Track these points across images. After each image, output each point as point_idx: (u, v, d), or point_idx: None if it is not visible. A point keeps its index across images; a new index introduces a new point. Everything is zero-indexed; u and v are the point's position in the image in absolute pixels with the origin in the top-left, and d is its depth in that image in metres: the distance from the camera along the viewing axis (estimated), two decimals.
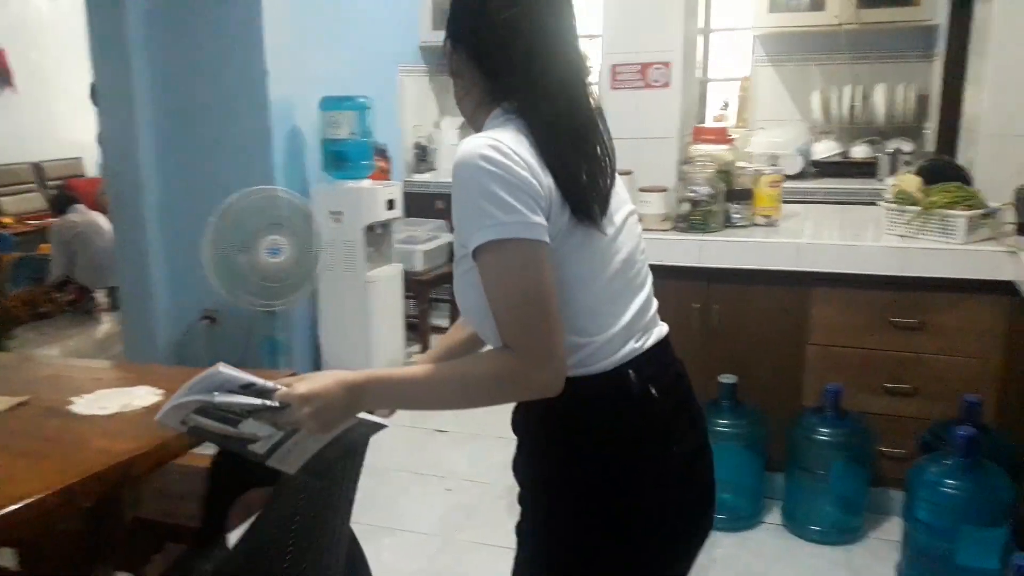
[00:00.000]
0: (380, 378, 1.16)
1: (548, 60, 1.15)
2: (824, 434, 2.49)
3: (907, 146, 4.17)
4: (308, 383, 1.12)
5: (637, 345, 1.18)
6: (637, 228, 1.28)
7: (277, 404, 1.12)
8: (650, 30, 2.90)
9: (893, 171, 4.15)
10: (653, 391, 1.17)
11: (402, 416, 3.59)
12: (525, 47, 1.15)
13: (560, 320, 1.07)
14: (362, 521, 2.80)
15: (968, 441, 2.14)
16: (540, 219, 1.06)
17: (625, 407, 1.16)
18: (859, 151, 4.36)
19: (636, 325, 1.19)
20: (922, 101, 4.24)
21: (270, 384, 1.13)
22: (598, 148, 1.19)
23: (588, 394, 1.14)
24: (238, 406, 1.12)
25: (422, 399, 1.21)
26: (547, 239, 1.07)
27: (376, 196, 3.93)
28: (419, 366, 1.17)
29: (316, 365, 4.17)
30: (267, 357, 3.69)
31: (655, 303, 1.29)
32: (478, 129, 1.20)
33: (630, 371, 1.16)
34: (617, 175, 1.24)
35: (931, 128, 4.09)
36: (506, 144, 1.07)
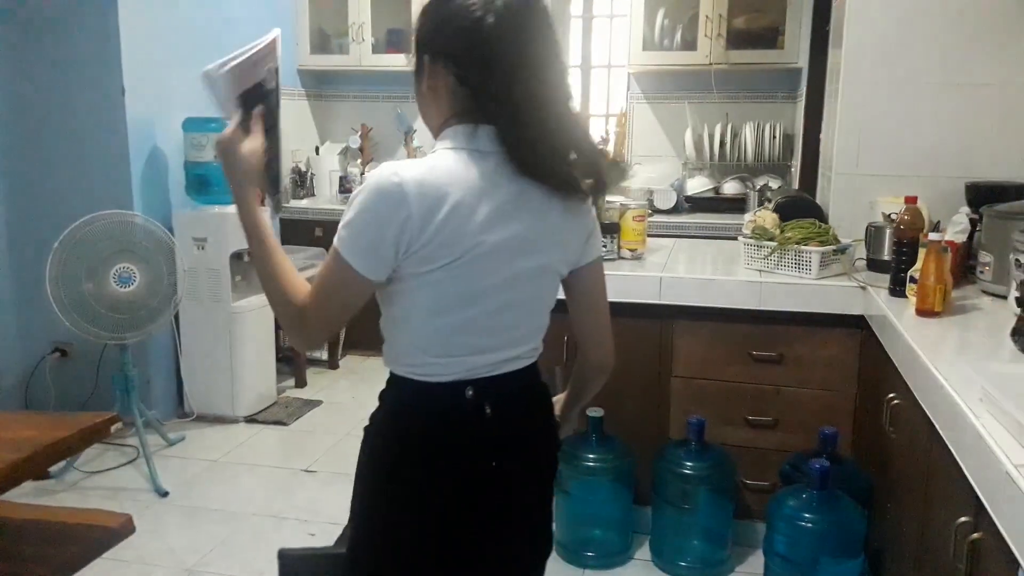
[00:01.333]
0: (259, 230, 1.29)
1: (531, 81, 1.20)
2: (688, 467, 2.49)
3: (775, 183, 4.33)
4: (230, 139, 1.31)
5: (486, 368, 1.28)
6: (543, 280, 1.34)
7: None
8: None
9: (762, 206, 4.30)
10: (488, 409, 1.28)
11: (267, 455, 3.40)
12: (510, 67, 1.19)
13: (336, 320, 1.27)
14: (210, 571, 2.62)
15: (822, 473, 2.17)
16: (382, 255, 1.19)
17: (455, 417, 1.28)
18: (730, 187, 4.50)
19: (491, 353, 1.28)
20: (788, 140, 4.42)
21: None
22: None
23: (425, 398, 1.28)
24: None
25: (258, 263, 1.30)
26: (370, 274, 1.20)
27: None
28: (279, 253, 1.29)
29: (179, 402, 3.93)
30: (120, 395, 3.43)
31: (532, 338, 1.38)
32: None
33: (469, 388, 1.27)
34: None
35: (796, 166, 4.26)
36: (410, 179, 1.17)
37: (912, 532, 1.96)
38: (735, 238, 3.91)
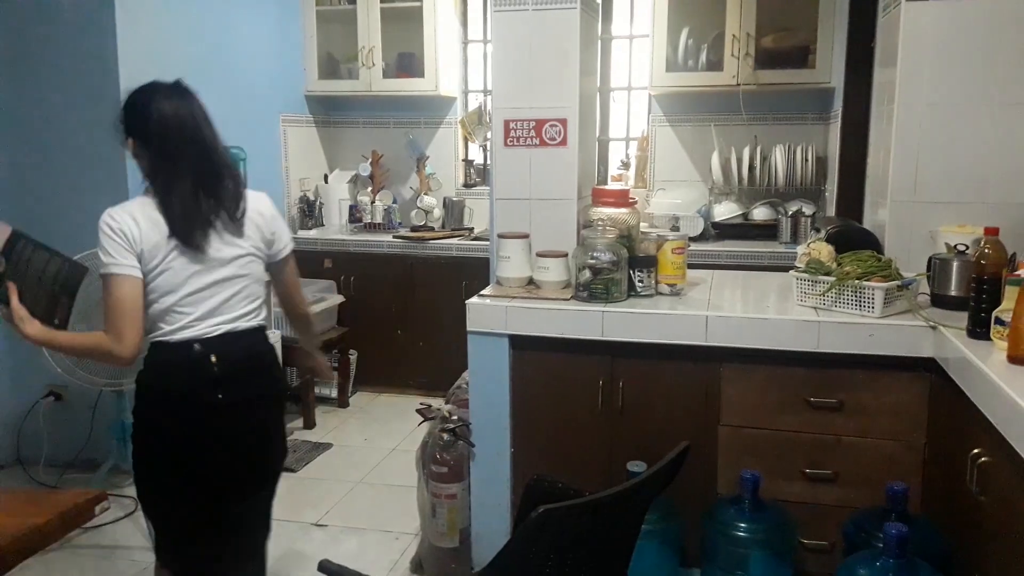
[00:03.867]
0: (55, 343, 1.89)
1: (177, 150, 1.88)
2: (742, 528, 2.25)
3: (808, 208, 4.11)
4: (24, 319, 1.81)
5: (210, 331, 1.86)
6: (251, 266, 1.95)
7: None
8: (544, 86, 2.68)
9: (794, 233, 4.08)
10: (213, 358, 1.85)
11: (275, 509, 3.14)
12: (159, 142, 1.87)
13: (136, 319, 1.78)
14: None
15: (900, 539, 1.92)
16: (126, 260, 1.77)
17: (187, 364, 1.84)
18: (760, 213, 4.28)
19: (213, 319, 1.87)
20: (820, 163, 4.20)
21: None
22: (213, 205, 1.88)
23: (167, 354, 1.85)
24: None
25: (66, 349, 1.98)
26: (130, 272, 1.78)
27: None
28: (67, 339, 1.89)
29: None
30: (117, 443, 3.20)
31: (248, 306, 1.95)
32: None
33: (196, 344, 1.84)
34: (252, 222, 1.96)
35: (831, 191, 4.04)
36: (117, 213, 1.83)
37: None
38: (767, 267, 3.75)
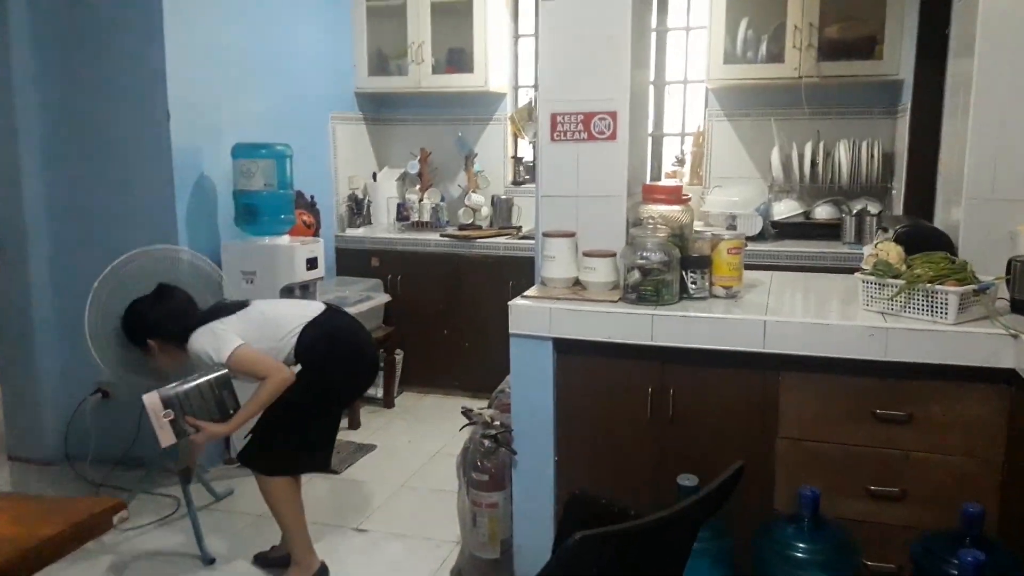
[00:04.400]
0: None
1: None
2: (801, 549, 2.10)
3: (874, 207, 3.91)
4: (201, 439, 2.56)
5: (307, 322, 2.68)
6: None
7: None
8: (593, 77, 2.57)
9: (859, 233, 3.88)
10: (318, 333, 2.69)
11: (316, 510, 3.09)
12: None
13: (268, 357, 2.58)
14: None
15: (976, 568, 1.76)
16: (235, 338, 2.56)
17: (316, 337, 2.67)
18: (822, 212, 4.08)
19: (304, 319, 2.69)
20: (887, 159, 3.98)
21: None
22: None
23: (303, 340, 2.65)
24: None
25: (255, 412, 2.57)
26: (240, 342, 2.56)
27: (294, 254, 3.51)
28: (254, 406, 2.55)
29: (225, 446, 3.68)
30: None
31: (314, 303, 2.89)
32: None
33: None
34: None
35: (898, 188, 3.83)
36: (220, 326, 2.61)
37: None
38: (830, 269, 3.56)
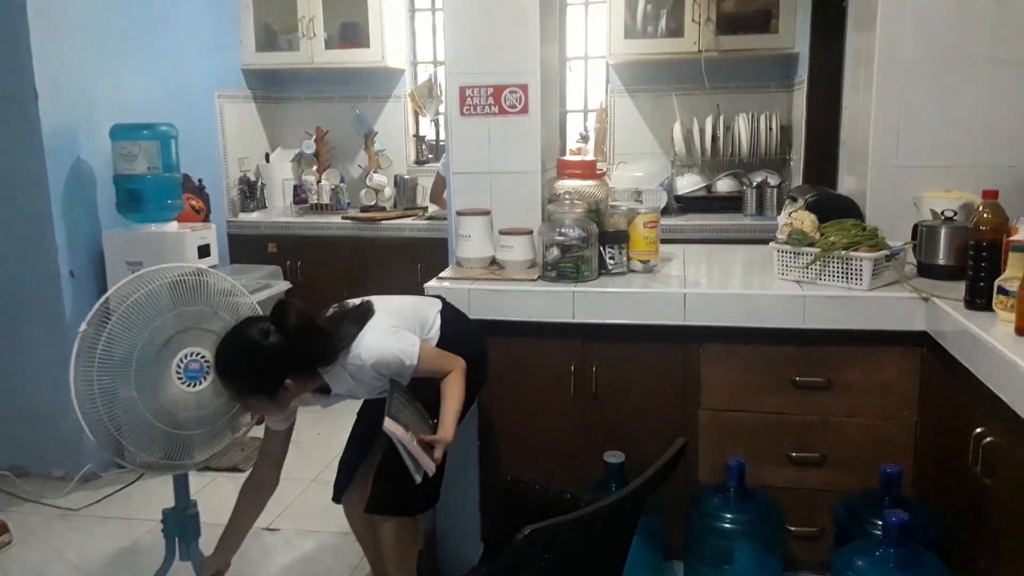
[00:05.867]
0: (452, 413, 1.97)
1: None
2: (728, 519, 2.10)
3: (773, 179, 3.99)
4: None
5: (438, 310, 2.16)
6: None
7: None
8: (502, 50, 2.48)
9: (760, 206, 3.96)
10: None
11: (222, 511, 2.85)
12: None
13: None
14: None
15: (901, 528, 1.80)
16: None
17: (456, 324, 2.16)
18: (723, 185, 4.14)
19: (433, 306, 2.17)
20: (784, 132, 4.07)
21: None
22: None
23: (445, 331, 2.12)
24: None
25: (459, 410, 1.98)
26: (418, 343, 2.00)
27: (184, 242, 3.27)
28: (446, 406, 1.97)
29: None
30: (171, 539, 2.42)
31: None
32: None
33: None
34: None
35: (796, 160, 3.92)
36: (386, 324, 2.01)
37: None
38: (733, 241, 3.61)
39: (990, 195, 1.90)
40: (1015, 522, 1.62)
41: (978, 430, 1.74)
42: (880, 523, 1.88)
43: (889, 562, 1.82)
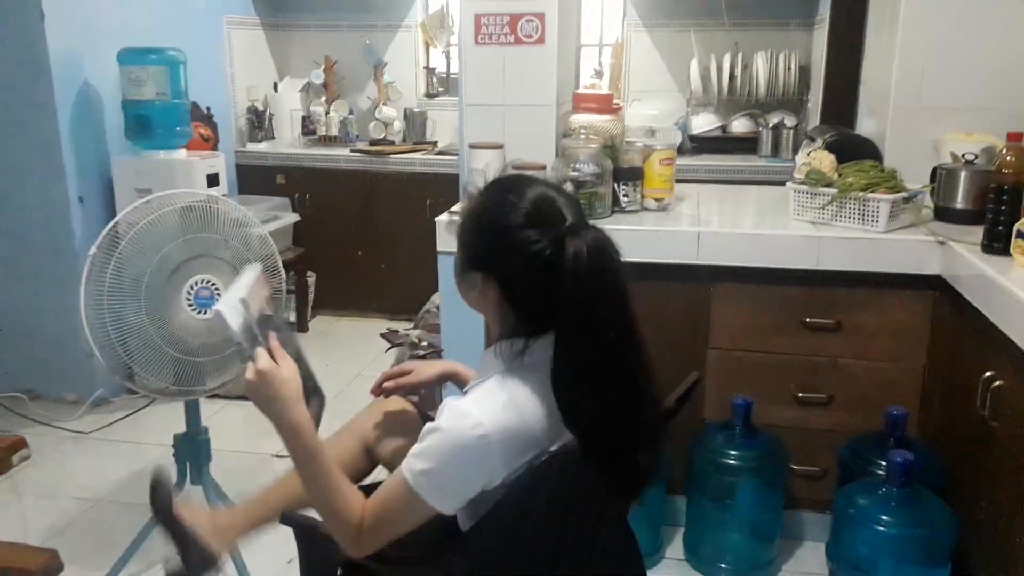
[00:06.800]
0: (305, 439, 1.21)
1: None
2: (732, 456, 2.12)
3: (790, 120, 3.92)
4: (272, 371, 1.20)
5: None
6: None
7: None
8: None
9: (775, 147, 3.90)
10: None
11: (231, 438, 2.91)
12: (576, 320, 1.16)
13: (393, 537, 1.21)
14: None
15: (905, 468, 1.82)
16: (465, 496, 1.16)
17: None
18: (739, 125, 4.08)
19: None
20: (803, 72, 3.98)
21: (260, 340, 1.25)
22: None
23: None
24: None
25: (304, 471, 1.23)
26: (451, 510, 1.19)
27: (193, 170, 3.25)
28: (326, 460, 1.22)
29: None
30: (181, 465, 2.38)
31: None
32: None
33: None
34: None
35: (814, 100, 3.84)
36: (495, 432, 1.13)
37: (1022, 542, 1.62)
38: (747, 182, 3.57)
39: (1015, 138, 1.86)
40: (1020, 464, 1.64)
41: (987, 374, 1.74)
42: (884, 464, 1.91)
43: (891, 500, 1.85)
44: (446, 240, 2.31)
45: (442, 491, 1.14)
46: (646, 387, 1.18)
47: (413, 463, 1.13)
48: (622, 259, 1.18)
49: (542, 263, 1.11)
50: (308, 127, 4.53)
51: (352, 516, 1.19)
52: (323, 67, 4.54)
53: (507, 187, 1.20)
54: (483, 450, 1.10)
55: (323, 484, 1.20)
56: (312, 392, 1.36)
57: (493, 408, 1.12)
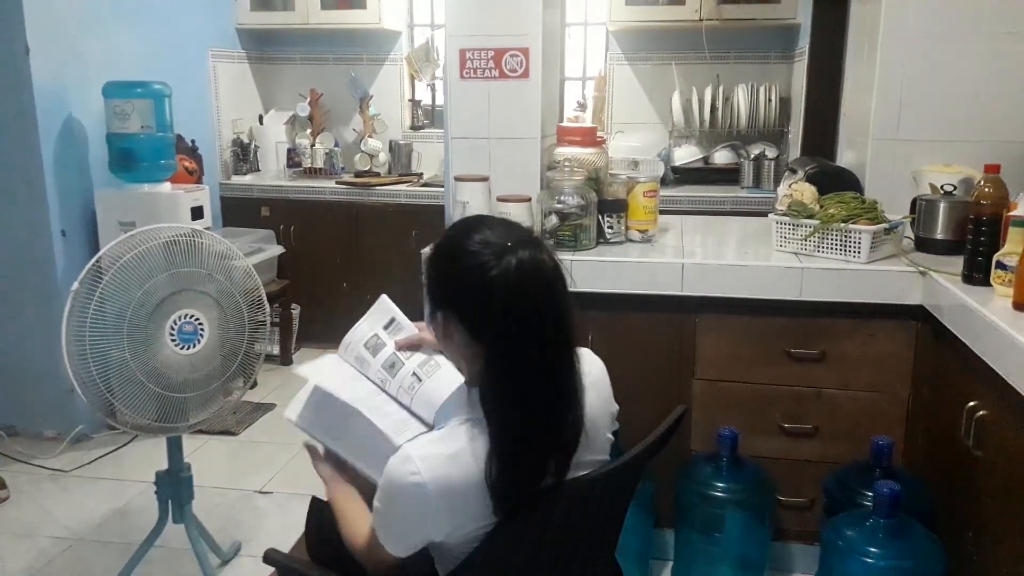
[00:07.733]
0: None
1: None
2: (719, 488, 2.12)
3: (771, 151, 3.97)
4: None
5: None
6: None
7: None
8: (504, 11, 2.45)
9: (757, 178, 3.94)
10: None
11: (214, 474, 2.87)
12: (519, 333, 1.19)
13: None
14: None
15: (892, 498, 1.81)
16: (413, 543, 1.23)
17: None
18: (721, 156, 4.12)
19: None
20: (784, 104, 4.04)
21: None
22: None
23: None
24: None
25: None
26: (405, 554, 1.24)
27: (177, 203, 3.24)
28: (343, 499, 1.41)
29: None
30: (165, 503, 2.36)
31: None
32: None
33: None
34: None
35: (794, 132, 3.90)
36: (431, 481, 1.13)
37: (1007, 572, 1.62)
38: (729, 213, 3.60)
39: (992, 169, 1.89)
40: (1004, 494, 1.64)
41: (971, 403, 1.75)
42: (870, 495, 1.90)
43: (879, 532, 1.84)
44: None
45: (389, 532, 1.18)
46: (571, 407, 1.18)
47: (375, 499, 1.19)
48: (564, 282, 1.19)
49: (488, 282, 1.12)
50: (293, 159, 4.54)
51: (356, 539, 1.30)
52: (308, 100, 4.56)
53: (457, 226, 1.24)
54: (420, 498, 1.10)
55: (337, 509, 1.38)
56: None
57: (436, 458, 1.11)
